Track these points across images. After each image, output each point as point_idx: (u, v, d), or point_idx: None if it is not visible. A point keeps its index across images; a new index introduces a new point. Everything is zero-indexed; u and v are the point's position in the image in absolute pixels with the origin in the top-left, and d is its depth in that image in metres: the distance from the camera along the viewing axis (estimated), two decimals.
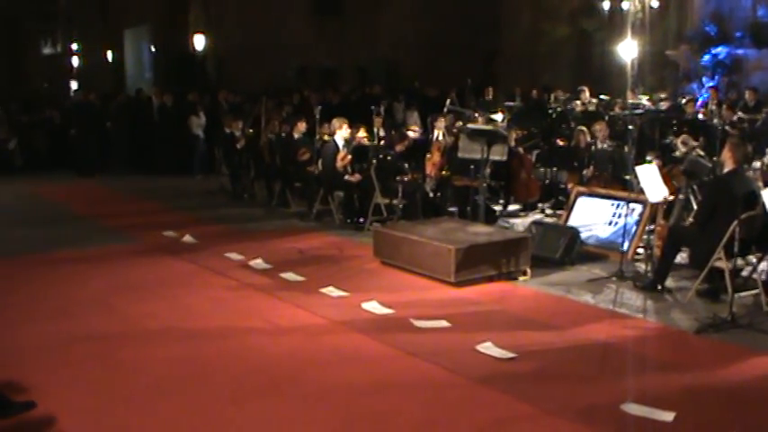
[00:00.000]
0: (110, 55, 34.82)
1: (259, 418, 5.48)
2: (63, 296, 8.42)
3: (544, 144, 14.97)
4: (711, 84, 20.77)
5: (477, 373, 6.23)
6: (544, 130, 15.79)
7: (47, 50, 42.75)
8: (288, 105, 18.98)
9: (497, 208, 12.78)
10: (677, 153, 11.76)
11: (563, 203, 12.14)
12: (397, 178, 11.70)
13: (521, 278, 9.03)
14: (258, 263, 9.66)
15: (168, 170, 17.99)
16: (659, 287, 8.43)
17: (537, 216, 12.61)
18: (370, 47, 28.47)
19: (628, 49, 20.03)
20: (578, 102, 18.13)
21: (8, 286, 8.80)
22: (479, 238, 9.13)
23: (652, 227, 9.82)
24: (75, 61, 38.88)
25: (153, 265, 9.75)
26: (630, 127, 12.94)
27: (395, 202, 11.55)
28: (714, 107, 16.77)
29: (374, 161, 11.90)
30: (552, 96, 19.74)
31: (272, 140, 14.51)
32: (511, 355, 6.58)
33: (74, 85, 36.96)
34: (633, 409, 5.52)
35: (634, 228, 9.91)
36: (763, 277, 8.22)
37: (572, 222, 10.63)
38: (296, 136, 13.56)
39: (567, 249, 9.67)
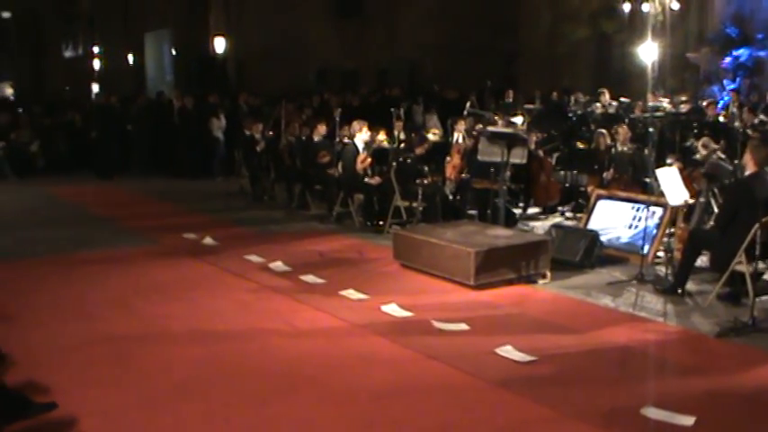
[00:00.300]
0: (131, 58, 35.07)
1: (279, 420, 5.50)
2: (83, 297, 8.47)
3: (564, 147, 14.95)
4: (732, 86, 20.65)
5: (497, 376, 6.22)
6: (564, 133, 15.77)
7: (68, 53, 43.12)
8: (308, 108, 19.05)
9: (517, 211, 12.76)
10: (698, 156, 11.71)
11: (583, 206, 12.11)
12: (417, 181, 11.71)
13: (540, 281, 9.01)
14: (278, 265, 9.68)
15: (188, 172, 18.06)
16: (680, 290, 8.39)
17: (557, 219, 12.59)
18: (390, 49, 28.51)
19: (648, 52, 19.91)
20: (598, 104, 18.08)
21: (29, 287, 8.86)
22: (499, 241, 9.12)
23: (672, 230, 9.78)
24: (96, 64, 39.18)
25: (173, 267, 9.79)
26: (651, 130, 12.89)
27: (414, 204, 11.56)
28: (735, 110, 16.67)
29: (394, 164, 11.90)
30: (572, 99, 19.72)
31: (292, 143, 14.56)
32: (530, 358, 6.57)
33: (95, 87, 37.27)
34: (653, 413, 5.50)
35: (654, 231, 9.87)
36: None
37: (592, 225, 10.60)
38: (316, 138, 13.59)
39: (586, 252, 9.64)
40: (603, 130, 13.27)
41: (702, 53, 22.45)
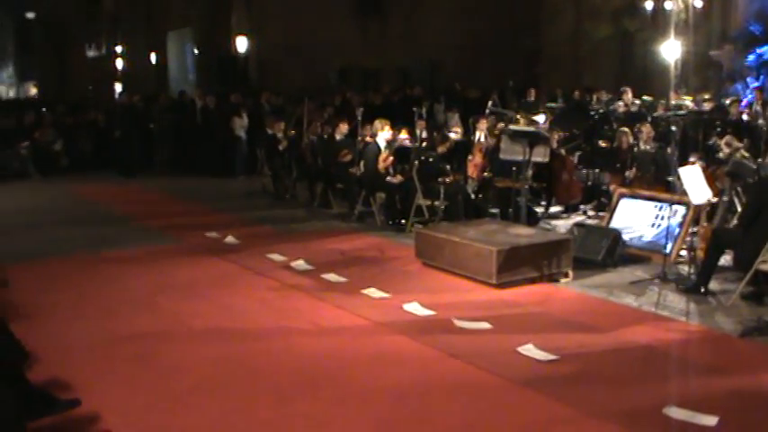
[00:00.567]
0: (153, 57, 35.23)
1: (301, 418, 5.52)
2: (107, 295, 8.53)
3: (586, 145, 14.89)
4: (756, 84, 20.48)
5: (519, 375, 6.22)
6: (586, 132, 15.70)
7: (91, 53, 43.37)
8: (330, 107, 19.06)
9: (539, 210, 12.73)
10: (721, 154, 11.64)
11: (605, 205, 12.07)
12: (439, 180, 11.71)
13: (562, 280, 8.99)
14: (300, 264, 9.71)
15: (211, 171, 18.12)
16: (702, 290, 8.34)
17: (579, 218, 12.56)
18: (412, 48, 28.47)
19: (671, 50, 19.87)
20: (621, 103, 17.99)
21: (53, 286, 8.94)
22: (521, 239, 9.10)
23: (695, 229, 9.73)
24: (119, 64, 39.39)
25: (196, 266, 9.84)
26: (674, 128, 12.82)
27: (436, 203, 11.56)
28: (759, 108, 16.53)
29: (416, 162, 11.89)
30: (594, 97, 19.63)
31: (314, 142, 14.59)
32: (552, 357, 6.56)
33: (118, 87, 37.47)
34: (676, 412, 5.48)
35: (677, 230, 9.83)
36: None
37: (614, 224, 10.56)
38: (338, 137, 13.63)
39: (609, 251, 9.60)
40: (626, 129, 13.22)
41: (725, 51, 22.30)
